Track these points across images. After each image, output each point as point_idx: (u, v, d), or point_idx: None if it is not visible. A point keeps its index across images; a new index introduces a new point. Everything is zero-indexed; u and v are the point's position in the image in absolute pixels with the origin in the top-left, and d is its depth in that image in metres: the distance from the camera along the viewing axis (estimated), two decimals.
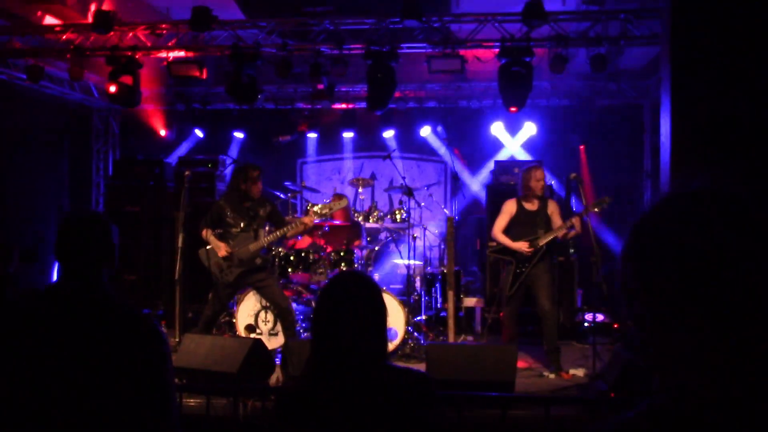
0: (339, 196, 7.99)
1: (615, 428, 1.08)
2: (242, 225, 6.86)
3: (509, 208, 7.03)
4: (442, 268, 8.80)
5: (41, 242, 9.74)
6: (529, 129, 10.98)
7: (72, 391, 2.17)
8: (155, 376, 2.25)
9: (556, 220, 6.88)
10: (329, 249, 8.15)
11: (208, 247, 6.96)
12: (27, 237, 9.32)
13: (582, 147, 11.03)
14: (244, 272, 6.83)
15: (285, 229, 6.86)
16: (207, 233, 6.86)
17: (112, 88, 8.16)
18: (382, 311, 2.47)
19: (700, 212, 1.11)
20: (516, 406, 4.95)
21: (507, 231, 6.97)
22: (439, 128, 11.11)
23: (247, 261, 6.80)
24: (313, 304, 7.49)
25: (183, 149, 11.84)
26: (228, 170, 10.72)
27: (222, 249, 6.77)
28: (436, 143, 11.50)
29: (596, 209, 6.72)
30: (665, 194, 1.20)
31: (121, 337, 2.25)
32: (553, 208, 6.95)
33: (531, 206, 6.94)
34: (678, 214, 1.13)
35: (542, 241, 6.76)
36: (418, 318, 8.16)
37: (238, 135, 11.70)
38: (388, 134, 11.30)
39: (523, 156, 11.00)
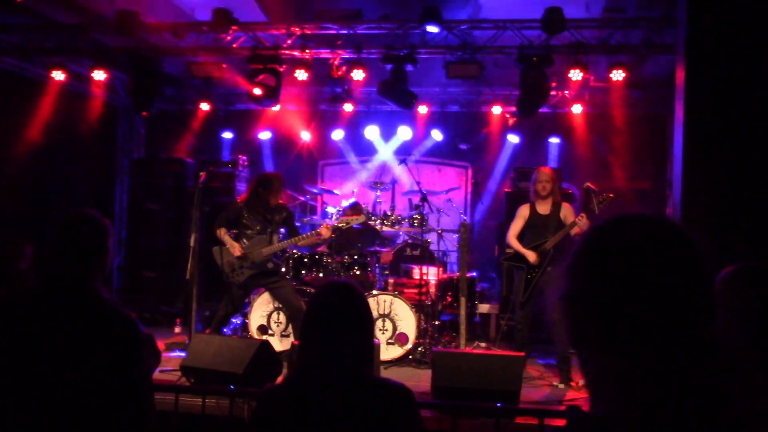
0: (357, 209, 8.04)
1: None
2: (258, 228, 6.93)
3: (523, 212, 7.00)
4: (458, 273, 8.77)
5: None
6: (554, 140, 10.93)
7: (52, 382, 2.29)
8: (127, 373, 2.34)
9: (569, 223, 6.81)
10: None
11: (222, 246, 7.04)
12: (48, 234, 9.46)
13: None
14: (255, 274, 6.90)
15: (298, 237, 6.95)
16: (221, 232, 6.95)
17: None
18: (367, 322, 2.50)
19: (628, 238, 1.11)
20: (515, 416, 4.92)
21: (521, 235, 6.94)
22: (462, 145, 11.10)
23: (259, 264, 6.87)
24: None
25: (208, 150, 11.90)
26: (245, 171, 10.81)
27: (236, 249, 6.85)
28: (455, 149, 11.47)
29: (602, 206, 6.62)
30: (612, 217, 1.21)
31: (100, 333, 2.34)
32: (566, 212, 6.88)
33: (544, 210, 6.90)
34: (607, 239, 1.14)
35: (549, 244, 6.71)
36: (433, 323, 8.15)
37: (263, 136, 11.73)
38: (409, 137, 11.28)
39: (544, 162, 10.92)
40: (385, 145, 11.48)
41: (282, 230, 7.33)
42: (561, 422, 4.49)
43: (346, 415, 2.31)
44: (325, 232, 6.98)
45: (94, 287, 2.46)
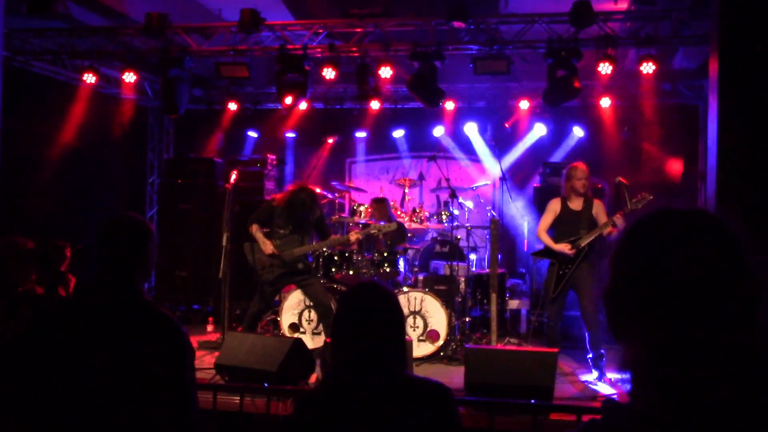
0: (382, 205, 8.16)
1: None
2: (290, 228, 6.95)
3: (554, 207, 6.95)
4: (488, 270, 8.75)
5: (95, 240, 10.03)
6: (578, 131, 10.83)
7: (97, 386, 2.31)
8: (175, 376, 2.36)
9: (601, 220, 6.76)
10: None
11: (253, 243, 7.08)
12: (82, 235, 9.58)
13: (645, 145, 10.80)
14: (284, 273, 6.92)
15: (329, 241, 7.03)
16: (255, 229, 6.98)
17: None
18: (398, 323, 2.49)
19: (678, 231, 1.12)
20: (549, 413, 4.90)
21: (551, 231, 6.90)
22: (487, 132, 11.07)
23: (289, 263, 6.90)
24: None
25: (235, 149, 12.00)
26: (273, 170, 10.88)
27: (269, 246, 6.86)
28: (483, 144, 11.44)
29: (638, 207, 6.54)
30: (653, 210, 1.21)
31: (145, 337, 2.37)
32: (598, 208, 6.83)
33: (575, 206, 6.85)
34: (656, 231, 1.15)
35: (584, 242, 6.66)
36: (463, 320, 8.14)
37: (289, 135, 11.82)
38: (437, 133, 11.27)
39: (572, 157, 10.81)
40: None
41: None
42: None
43: (384, 416, 2.30)
44: (353, 238, 7.12)
45: (138, 290, 2.49)
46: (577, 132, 10.81)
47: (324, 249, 7.90)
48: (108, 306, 2.44)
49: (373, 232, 7.32)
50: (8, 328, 3.07)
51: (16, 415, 2.33)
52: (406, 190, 9.36)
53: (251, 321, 7.13)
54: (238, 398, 4.84)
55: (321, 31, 8.27)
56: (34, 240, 4.44)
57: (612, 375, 6.64)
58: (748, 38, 4.91)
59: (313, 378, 6.03)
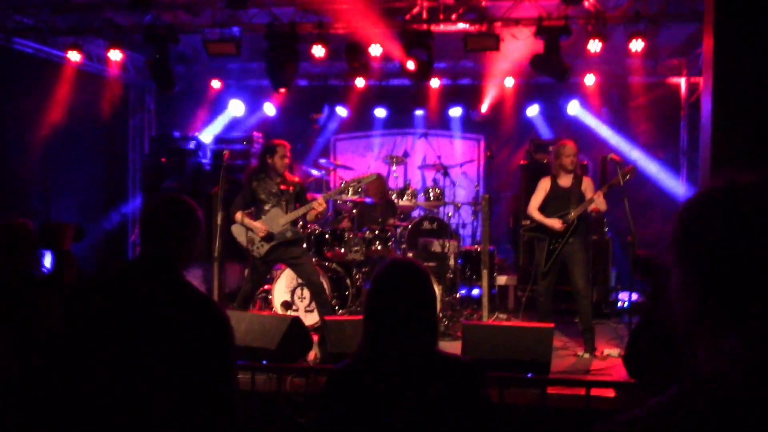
0: (379, 184, 8.25)
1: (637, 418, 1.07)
2: (273, 201, 6.91)
3: (544, 185, 7.03)
4: (476, 246, 8.82)
5: (83, 219, 9.95)
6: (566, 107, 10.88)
7: (139, 367, 2.31)
8: (218, 357, 2.37)
9: (589, 196, 6.85)
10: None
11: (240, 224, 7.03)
12: (69, 213, 9.50)
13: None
14: (275, 246, 6.86)
15: (309, 205, 6.83)
16: (240, 216, 6.91)
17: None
18: (431, 301, 2.52)
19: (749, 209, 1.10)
20: (546, 386, 4.98)
21: (542, 208, 6.98)
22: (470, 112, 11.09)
23: (278, 235, 6.84)
24: (363, 288, 7.63)
25: (217, 126, 11.86)
26: (257, 147, 10.81)
27: (261, 229, 6.79)
28: (468, 121, 11.45)
29: (622, 181, 6.64)
30: (714, 185, 1.17)
31: (189, 318, 2.37)
32: (586, 185, 6.93)
33: (565, 183, 6.93)
34: (728, 208, 1.12)
35: (573, 215, 6.75)
36: (454, 296, 8.20)
37: (270, 112, 11.66)
38: (422, 111, 11.26)
39: (558, 133, 10.87)
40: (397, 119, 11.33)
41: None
42: (601, 392, 4.56)
43: (415, 392, 2.34)
44: (318, 206, 6.79)
45: (178, 273, 2.48)
46: (570, 109, 10.85)
47: (316, 228, 7.91)
48: (150, 289, 2.42)
49: (352, 185, 7.64)
50: (38, 315, 3.05)
51: (61, 397, 2.34)
52: (394, 168, 9.36)
53: (244, 299, 7.11)
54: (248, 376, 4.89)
55: (309, 8, 8.19)
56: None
57: (604, 350, 6.75)
58: (744, 13, 4.94)
59: (311, 355, 6.07)
